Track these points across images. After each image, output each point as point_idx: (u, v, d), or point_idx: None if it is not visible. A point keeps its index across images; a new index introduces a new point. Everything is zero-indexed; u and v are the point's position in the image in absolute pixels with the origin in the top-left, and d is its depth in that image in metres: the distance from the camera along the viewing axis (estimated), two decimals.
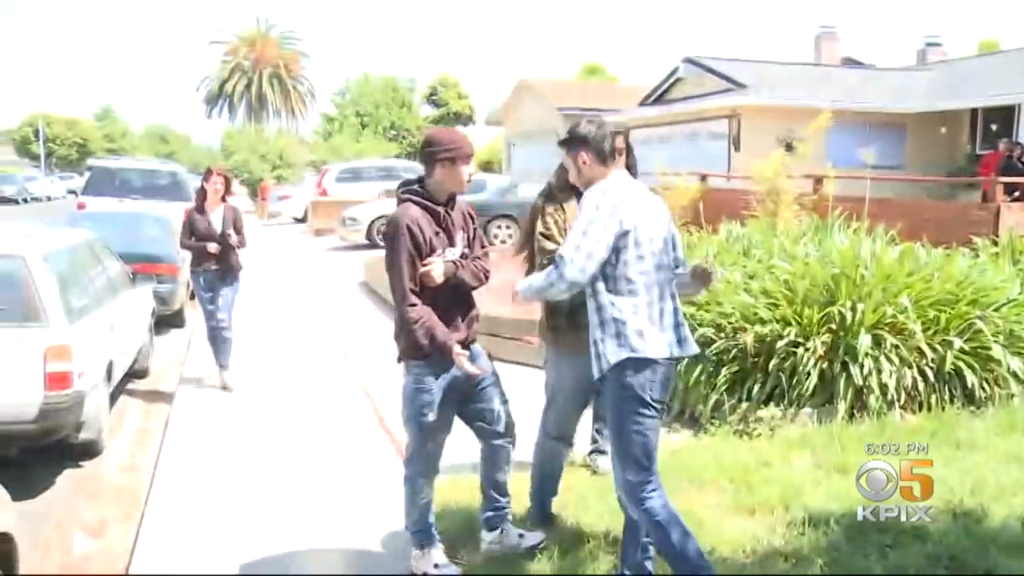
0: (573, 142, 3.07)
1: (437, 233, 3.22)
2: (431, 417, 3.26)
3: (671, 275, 3.05)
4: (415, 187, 3.26)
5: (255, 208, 30.83)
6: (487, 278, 3.39)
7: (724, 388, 5.06)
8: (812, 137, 8.57)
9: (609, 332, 2.89)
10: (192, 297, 10.64)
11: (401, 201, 3.25)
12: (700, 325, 5.24)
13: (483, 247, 3.42)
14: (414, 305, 3.17)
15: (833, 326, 5.12)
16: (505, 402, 3.44)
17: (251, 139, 35.66)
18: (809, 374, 4.96)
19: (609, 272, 2.90)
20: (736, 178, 13.57)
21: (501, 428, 3.41)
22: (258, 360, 7.44)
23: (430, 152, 3.24)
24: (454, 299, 3.29)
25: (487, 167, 38.10)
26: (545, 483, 3.79)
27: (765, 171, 8.56)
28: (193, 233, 6.43)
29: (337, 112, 43.66)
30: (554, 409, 3.73)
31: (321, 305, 10.33)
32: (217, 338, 6.56)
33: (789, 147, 11.43)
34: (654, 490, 2.94)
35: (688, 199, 10.12)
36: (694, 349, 3.04)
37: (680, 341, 2.97)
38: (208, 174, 6.54)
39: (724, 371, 5.11)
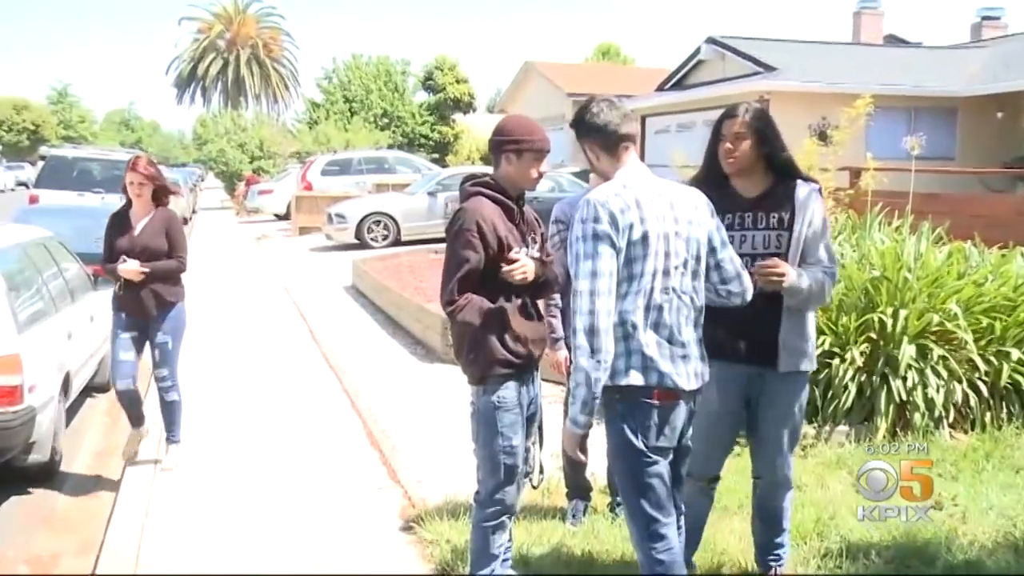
0: (579, 129, 2.97)
1: (511, 231, 3.13)
2: (516, 441, 3.13)
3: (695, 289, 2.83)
4: (486, 179, 3.19)
5: (232, 203, 30.91)
6: (560, 284, 3.34)
7: None
8: (850, 125, 8.52)
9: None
10: None
11: (470, 194, 3.14)
12: None
13: (548, 255, 3.31)
14: (454, 301, 3.03)
15: (872, 335, 5.08)
16: (539, 440, 3.35)
17: (227, 127, 35.70)
18: (846, 388, 4.92)
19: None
20: None
21: (525, 466, 3.31)
22: (235, 372, 7.42)
23: (495, 141, 3.18)
24: (533, 305, 3.21)
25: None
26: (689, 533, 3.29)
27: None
28: (111, 250, 4.98)
29: (323, 98, 43.65)
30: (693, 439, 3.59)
31: (305, 311, 10.32)
32: (135, 401, 5.15)
33: (823, 136, 11.38)
34: (668, 549, 2.78)
35: None
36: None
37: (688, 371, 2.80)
38: (128, 166, 5.07)
39: None
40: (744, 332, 3.05)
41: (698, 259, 2.80)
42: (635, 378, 2.70)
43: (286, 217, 22.84)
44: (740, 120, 3.16)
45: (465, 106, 43.74)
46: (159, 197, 5.05)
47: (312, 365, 7.73)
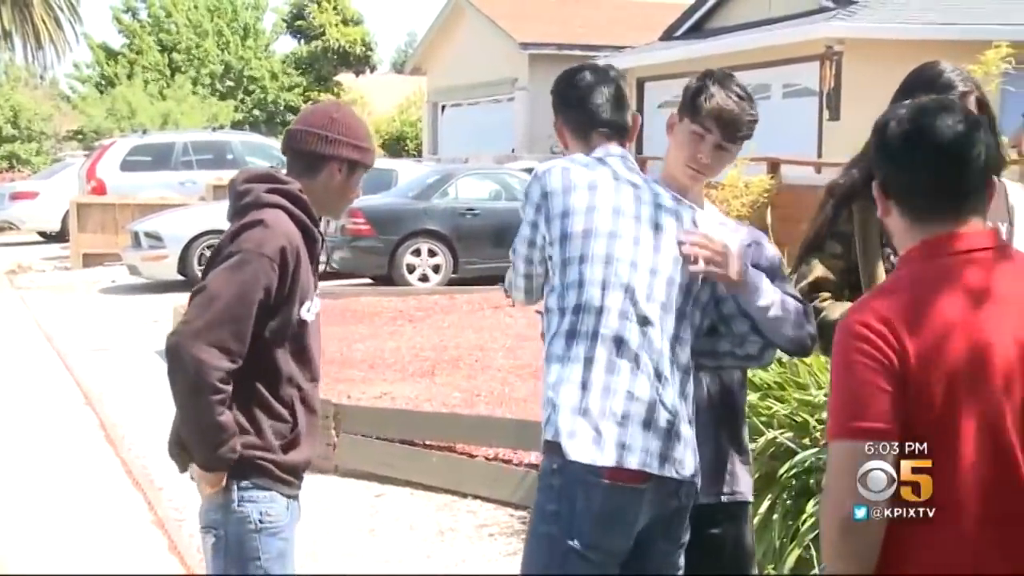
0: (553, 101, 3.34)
1: (312, 273, 3.32)
2: None
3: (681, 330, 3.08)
4: (289, 187, 3.26)
5: None
6: None
7: (815, 539, 5.12)
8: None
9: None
10: None
11: (267, 204, 3.21)
12: (768, 426, 5.30)
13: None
14: (226, 384, 3.08)
15: None
16: None
17: None
18: None
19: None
20: (832, 166, 13.84)
21: None
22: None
23: (320, 138, 3.28)
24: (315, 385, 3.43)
25: (397, 147, 38.31)
26: None
27: None
28: None
29: (124, 43, 43.65)
30: None
31: (96, 398, 10.20)
32: None
33: None
34: None
35: (749, 202, 10.31)
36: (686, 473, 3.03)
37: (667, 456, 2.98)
38: None
39: (815, 508, 5.17)
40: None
41: (687, 293, 3.08)
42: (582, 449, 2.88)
43: (60, 237, 22.65)
44: (969, 97, 3.26)
45: (358, 61, 44.13)
46: None
47: (112, 489, 7.63)
